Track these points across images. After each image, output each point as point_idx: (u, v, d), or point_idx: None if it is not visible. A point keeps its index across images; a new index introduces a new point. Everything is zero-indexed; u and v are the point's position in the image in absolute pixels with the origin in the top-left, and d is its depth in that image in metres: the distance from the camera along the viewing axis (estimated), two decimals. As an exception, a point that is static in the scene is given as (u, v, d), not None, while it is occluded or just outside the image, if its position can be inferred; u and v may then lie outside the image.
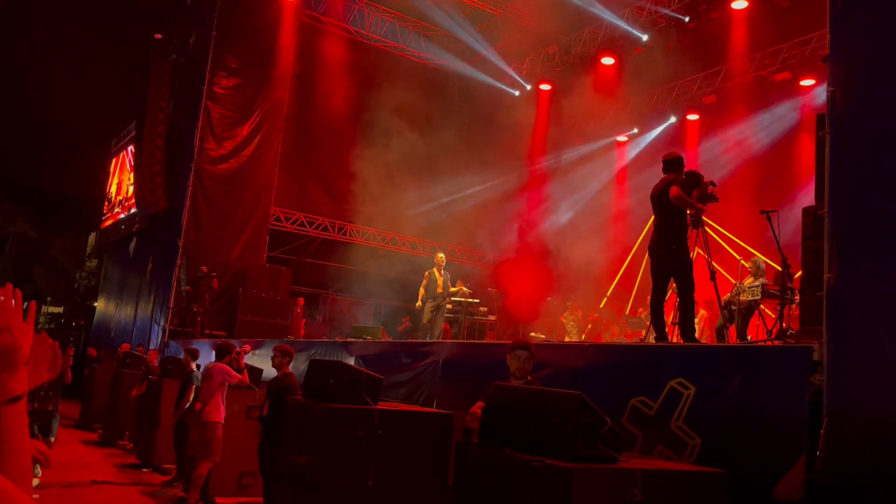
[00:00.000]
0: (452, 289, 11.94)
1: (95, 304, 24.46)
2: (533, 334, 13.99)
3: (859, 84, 4.11)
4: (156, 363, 11.73)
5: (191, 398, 8.54)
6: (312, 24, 17.71)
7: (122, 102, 23.37)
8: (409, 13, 18.29)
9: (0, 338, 1.39)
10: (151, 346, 15.03)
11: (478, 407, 4.40)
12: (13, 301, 1.43)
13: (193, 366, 9.03)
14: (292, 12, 17.00)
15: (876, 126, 3.99)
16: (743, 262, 10.06)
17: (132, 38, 20.85)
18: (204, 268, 14.79)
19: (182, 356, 9.65)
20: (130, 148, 21.22)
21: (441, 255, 12.22)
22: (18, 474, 1.30)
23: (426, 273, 11.90)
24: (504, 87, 19.34)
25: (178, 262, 15.57)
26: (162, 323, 15.75)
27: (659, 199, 6.61)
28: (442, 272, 11.79)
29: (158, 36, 18.68)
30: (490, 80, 19.23)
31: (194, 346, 10.13)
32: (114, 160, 24.63)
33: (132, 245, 20.36)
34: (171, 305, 15.52)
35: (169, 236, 16.29)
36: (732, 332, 9.08)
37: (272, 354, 7.27)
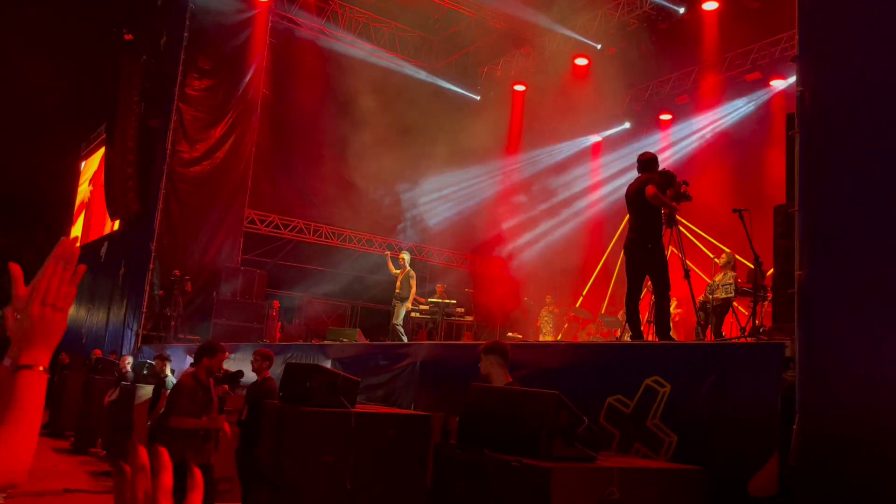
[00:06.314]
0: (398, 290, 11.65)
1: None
2: (510, 334, 14.04)
3: (828, 84, 4.17)
4: (129, 369, 11.57)
5: (164, 403, 8.44)
6: (286, 26, 17.59)
7: (92, 105, 23.03)
8: (382, 14, 18.25)
9: (55, 316, 1.39)
10: (124, 352, 14.82)
11: None
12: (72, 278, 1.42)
13: (168, 370, 8.93)
14: (265, 14, 16.88)
15: (845, 125, 4.06)
16: (716, 259, 10.19)
17: (102, 40, 20.52)
18: (177, 271, 14.61)
19: (154, 362, 9.54)
20: (101, 151, 20.93)
21: (402, 254, 12.07)
22: (23, 445, 1.33)
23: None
24: (479, 87, 19.40)
25: (151, 265, 15.37)
26: (135, 328, 15.54)
27: (634, 198, 6.66)
28: (402, 272, 11.68)
29: (129, 37, 18.43)
30: (464, 81, 19.29)
31: (167, 351, 10.02)
32: (83, 163, 24.28)
33: (103, 249, 20.08)
34: (144, 310, 15.32)
35: (141, 240, 16.08)
36: (709, 331, 9.19)
37: (252, 359, 7.21)
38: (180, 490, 1.00)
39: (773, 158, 13.25)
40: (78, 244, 1.46)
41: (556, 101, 16.73)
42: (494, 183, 18.50)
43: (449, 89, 19.38)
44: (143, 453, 1.02)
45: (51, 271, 1.41)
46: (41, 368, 1.38)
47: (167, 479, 0.99)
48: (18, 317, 1.38)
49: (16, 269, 1.38)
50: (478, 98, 19.46)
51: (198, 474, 0.99)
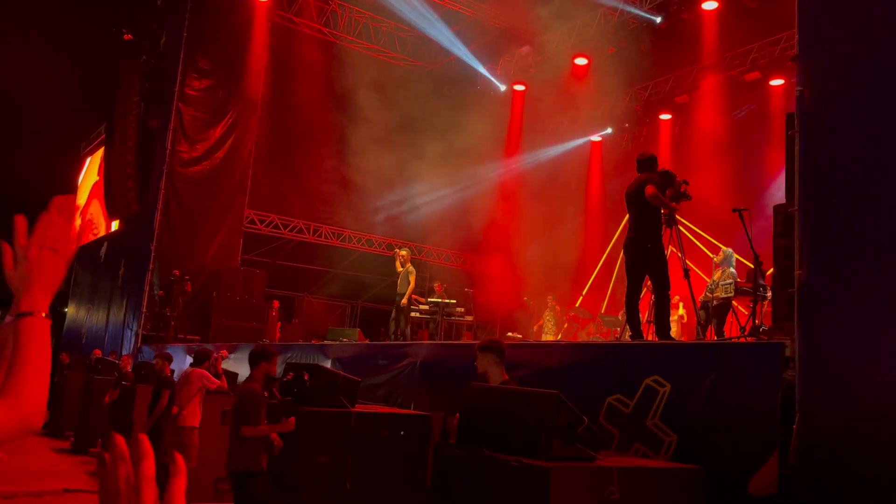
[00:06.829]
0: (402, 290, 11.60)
1: (66, 309, 24.07)
2: (510, 334, 14.04)
3: (827, 83, 4.17)
4: (129, 369, 11.58)
5: (165, 403, 8.45)
6: (285, 26, 17.59)
7: (92, 105, 23.00)
8: (382, 14, 18.24)
9: (53, 259, 1.39)
10: (124, 352, 14.82)
11: None
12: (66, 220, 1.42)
13: (168, 370, 8.93)
14: (264, 13, 16.87)
15: (844, 124, 4.06)
16: (714, 258, 10.19)
17: (102, 40, 20.51)
18: (177, 271, 14.61)
19: (154, 362, 9.55)
20: (101, 151, 20.92)
21: (402, 251, 12.01)
22: (35, 392, 1.32)
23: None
24: (478, 87, 19.37)
25: (151, 265, 15.36)
26: (135, 328, 15.54)
27: (634, 198, 6.66)
28: (402, 270, 11.65)
29: (128, 37, 18.42)
30: (464, 81, 19.25)
31: (167, 351, 10.03)
32: (84, 163, 24.29)
33: (103, 249, 20.07)
34: (144, 310, 15.31)
35: (141, 240, 16.08)
36: (709, 330, 9.20)
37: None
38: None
39: (773, 158, 13.27)
40: (74, 198, 1.46)
41: (556, 100, 16.72)
42: (494, 182, 18.48)
43: (448, 89, 19.21)
44: (121, 442, 1.00)
45: (48, 220, 1.42)
46: (43, 314, 1.36)
47: (149, 466, 0.98)
48: (17, 263, 1.37)
49: (20, 221, 1.40)
50: (503, 88, 19.11)
51: (180, 460, 0.99)
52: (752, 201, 11.22)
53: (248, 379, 5.61)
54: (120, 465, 0.98)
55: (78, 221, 23.69)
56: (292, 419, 5.30)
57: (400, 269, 11.72)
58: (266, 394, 5.69)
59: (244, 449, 5.32)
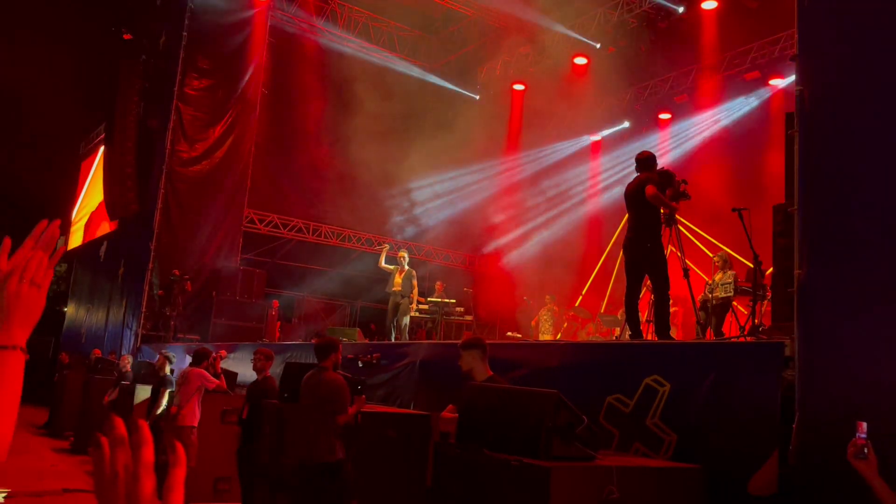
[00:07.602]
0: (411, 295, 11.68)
1: (66, 309, 24.07)
2: (510, 334, 14.03)
3: (827, 83, 4.17)
4: (129, 368, 11.59)
5: (164, 403, 8.46)
6: (285, 25, 17.59)
7: (91, 104, 23.00)
8: (381, 14, 18.25)
9: (33, 292, 1.34)
10: (124, 352, 14.83)
11: (448, 410, 4.40)
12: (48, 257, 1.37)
13: (167, 370, 8.94)
14: (264, 13, 16.87)
15: (844, 124, 4.06)
16: (715, 258, 10.19)
17: (101, 40, 20.50)
18: (176, 271, 14.61)
19: (156, 360, 9.56)
20: (100, 150, 20.92)
21: (401, 252, 12.10)
22: (2, 425, 1.28)
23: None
24: (478, 86, 19.40)
25: (150, 265, 15.36)
26: (134, 328, 15.54)
27: (633, 197, 6.65)
28: (402, 270, 11.70)
29: (128, 37, 18.41)
30: (464, 80, 19.28)
31: (168, 350, 10.03)
32: (83, 163, 24.28)
33: (103, 249, 20.07)
34: (144, 310, 15.31)
35: (140, 240, 16.07)
36: (709, 330, 9.20)
37: (254, 358, 7.23)
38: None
39: (773, 158, 13.24)
40: (59, 224, 1.42)
41: (556, 100, 16.71)
42: (494, 182, 18.49)
43: (448, 88, 19.32)
44: (120, 425, 0.97)
45: (30, 252, 1.36)
46: (20, 349, 1.32)
47: (148, 453, 0.95)
48: None
49: (6, 242, 1.35)
50: (476, 97, 19.38)
51: (180, 451, 0.97)
52: (752, 201, 11.20)
53: (320, 369, 5.60)
54: (119, 450, 0.96)
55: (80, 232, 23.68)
56: (363, 396, 5.48)
57: (384, 265, 11.77)
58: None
59: (330, 439, 5.31)
